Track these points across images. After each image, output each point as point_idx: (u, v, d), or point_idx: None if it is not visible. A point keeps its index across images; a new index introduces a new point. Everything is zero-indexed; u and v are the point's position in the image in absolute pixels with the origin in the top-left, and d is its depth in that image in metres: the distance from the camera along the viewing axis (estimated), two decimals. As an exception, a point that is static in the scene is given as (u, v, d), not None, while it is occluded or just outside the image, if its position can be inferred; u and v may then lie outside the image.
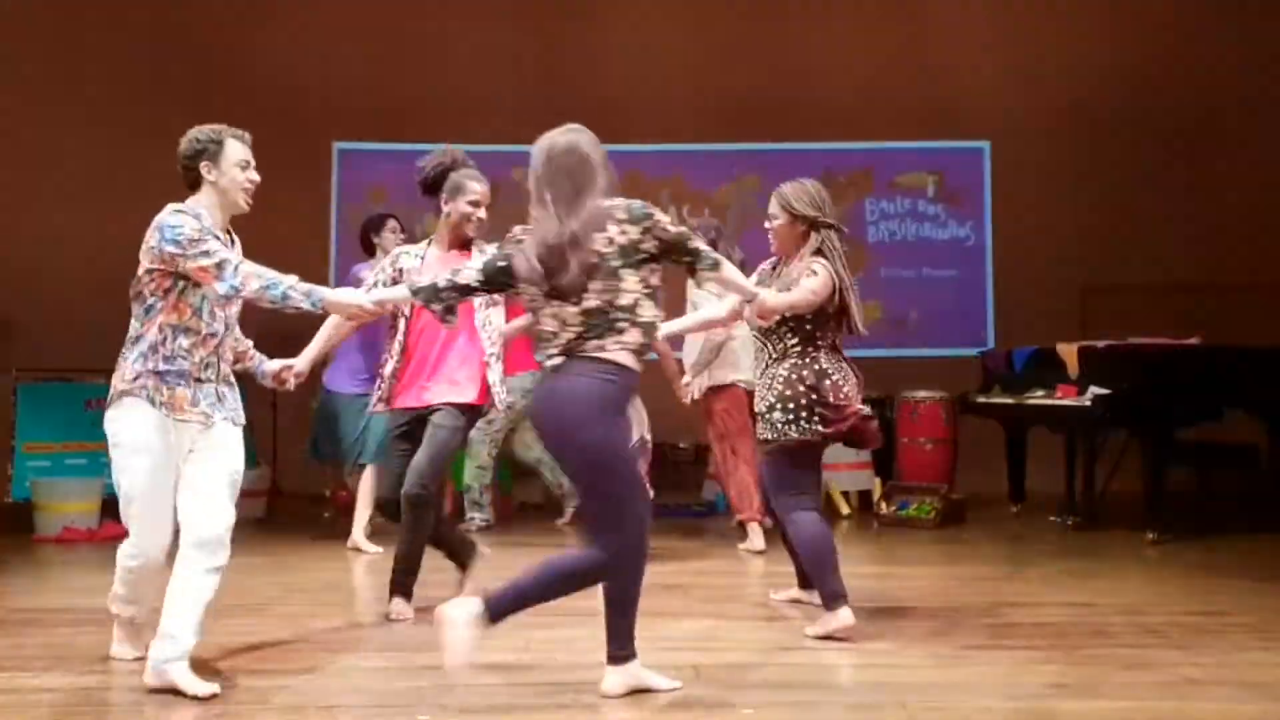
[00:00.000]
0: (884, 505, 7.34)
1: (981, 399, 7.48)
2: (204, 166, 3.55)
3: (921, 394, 7.99)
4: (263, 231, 9.47)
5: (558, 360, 3.30)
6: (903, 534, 6.83)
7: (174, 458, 3.45)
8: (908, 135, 9.32)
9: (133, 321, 3.54)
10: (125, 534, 6.67)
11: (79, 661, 3.67)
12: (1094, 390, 6.30)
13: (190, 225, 3.39)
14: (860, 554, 6.31)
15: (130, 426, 3.46)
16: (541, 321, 3.35)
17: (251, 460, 8.02)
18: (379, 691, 3.39)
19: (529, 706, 3.17)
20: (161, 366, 3.44)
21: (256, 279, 3.38)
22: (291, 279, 3.44)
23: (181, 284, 3.44)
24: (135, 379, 3.45)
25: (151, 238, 3.43)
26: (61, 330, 8.13)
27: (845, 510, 7.60)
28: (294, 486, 8.42)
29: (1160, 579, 5.17)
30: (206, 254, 3.36)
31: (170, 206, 3.49)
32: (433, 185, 4.61)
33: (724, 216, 9.04)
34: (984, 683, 3.40)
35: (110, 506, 6.96)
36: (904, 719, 3.05)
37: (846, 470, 7.78)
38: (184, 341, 3.46)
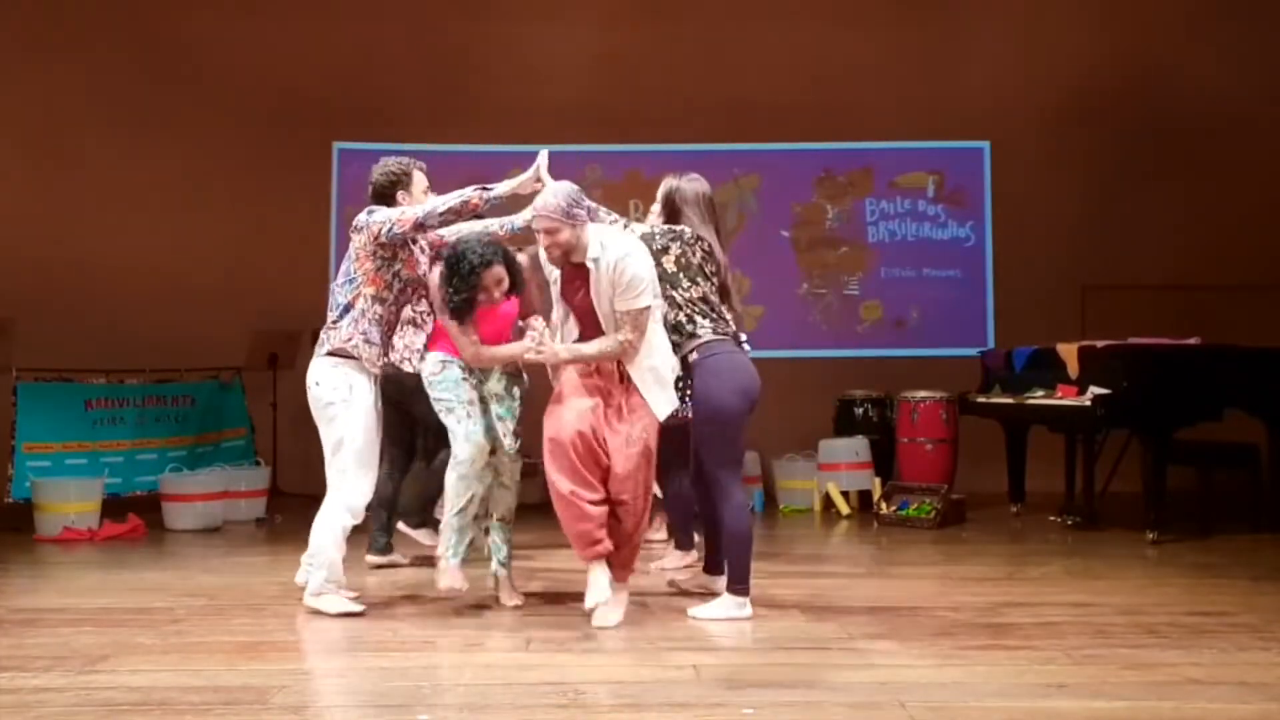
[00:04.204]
0: (884, 505, 7.34)
1: (981, 399, 7.48)
2: (400, 195, 4.65)
3: (921, 394, 8.00)
4: (264, 231, 9.53)
5: None
6: (903, 534, 6.83)
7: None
8: (908, 135, 9.31)
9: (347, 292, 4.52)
10: (122, 534, 6.70)
11: (79, 661, 3.67)
12: (1094, 390, 6.30)
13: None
14: (860, 554, 6.32)
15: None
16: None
17: (251, 460, 8.08)
18: (379, 691, 3.39)
19: (529, 706, 3.17)
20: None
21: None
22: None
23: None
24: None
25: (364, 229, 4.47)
26: (61, 330, 8.14)
27: (845, 510, 7.60)
28: (294, 486, 8.42)
29: (1160, 579, 5.17)
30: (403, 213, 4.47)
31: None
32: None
33: (724, 216, 9.05)
34: (984, 683, 3.40)
35: (110, 506, 7.03)
36: (904, 719, 3.05)
37: (846, 470, 7.79)
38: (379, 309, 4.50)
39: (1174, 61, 9.09)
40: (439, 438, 5.04)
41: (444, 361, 4.61)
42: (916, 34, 9.27)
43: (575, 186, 4.28)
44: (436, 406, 4.61)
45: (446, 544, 4.49)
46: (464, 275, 4.40)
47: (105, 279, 8.55)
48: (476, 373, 4.63)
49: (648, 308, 4.16)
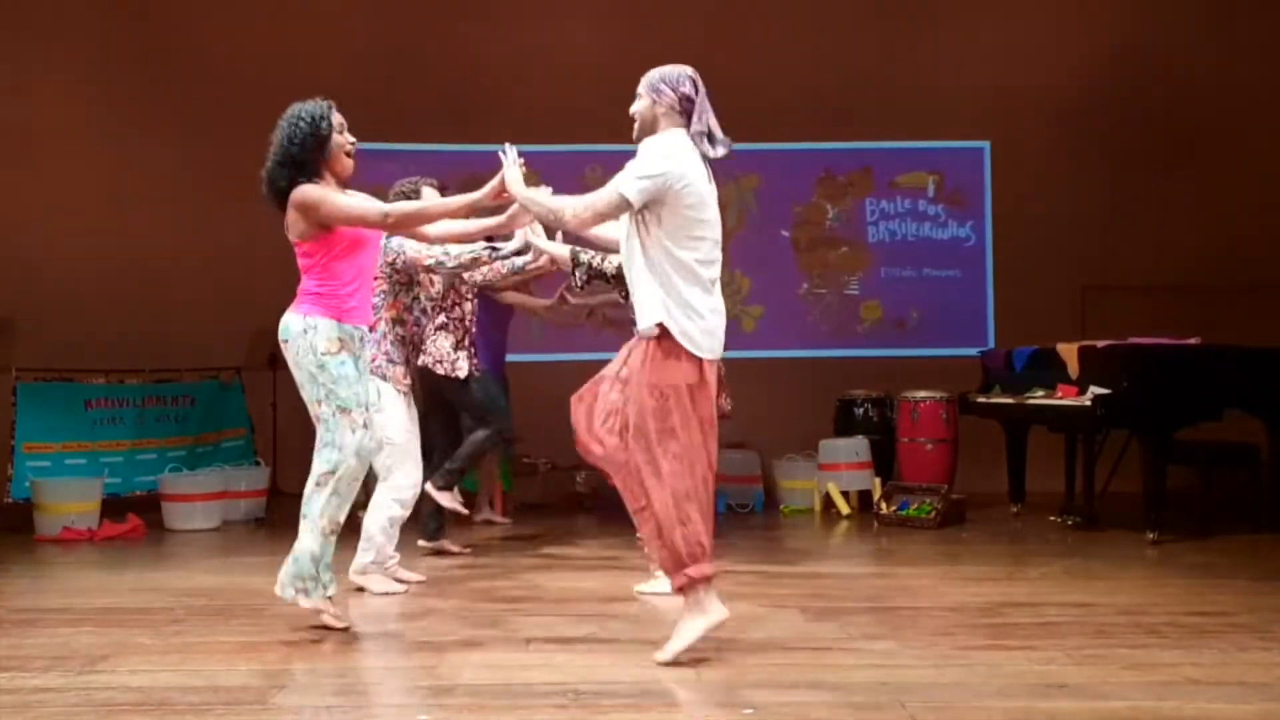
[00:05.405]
0: (884, 505, 7.34)
1: (981, 399, 7.48)
2: None
3: (921, 394, 8.00)
4: (264, 230, 9.50)
5: None
6: (903, 534, 6.83)
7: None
8: (908, 135, 9.31)
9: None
10: (122, 534, 6.72)
11: (79, 661, 3.67)
12: (1094, 390, 6.30)
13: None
14: (860, 554, 6.32)
15: None
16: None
17: (251, 460, 8.07)
18: (379, 691, 3.39)
19: (529, 706, 3.17)
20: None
21: None
22: None
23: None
24: None
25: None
26: (61, 330, 8.13)
27: (845, 510, 7.60)
28: (294, 486, 8.40)
29: (1160, 579, 5.17)
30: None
31: None
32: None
33: (724, 216, 9.05)
34: (984, 683, 3.40)
35: (110, 506, 7.02)
36: (904, 719, 3.05)
37: (846, 470, 7.78)
38: None
39: (1175, 61, 9.08)
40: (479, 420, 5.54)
41: (342, 340, 4.01)
42: (917, 34, 9.26)
43: (694, 77, 3.71)
44: (321, 394, 3.91)
45: (308, 578, 3.99)
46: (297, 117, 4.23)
47: (105, 279, 8.54)
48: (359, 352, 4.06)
49: (623, 197, 3.56)
